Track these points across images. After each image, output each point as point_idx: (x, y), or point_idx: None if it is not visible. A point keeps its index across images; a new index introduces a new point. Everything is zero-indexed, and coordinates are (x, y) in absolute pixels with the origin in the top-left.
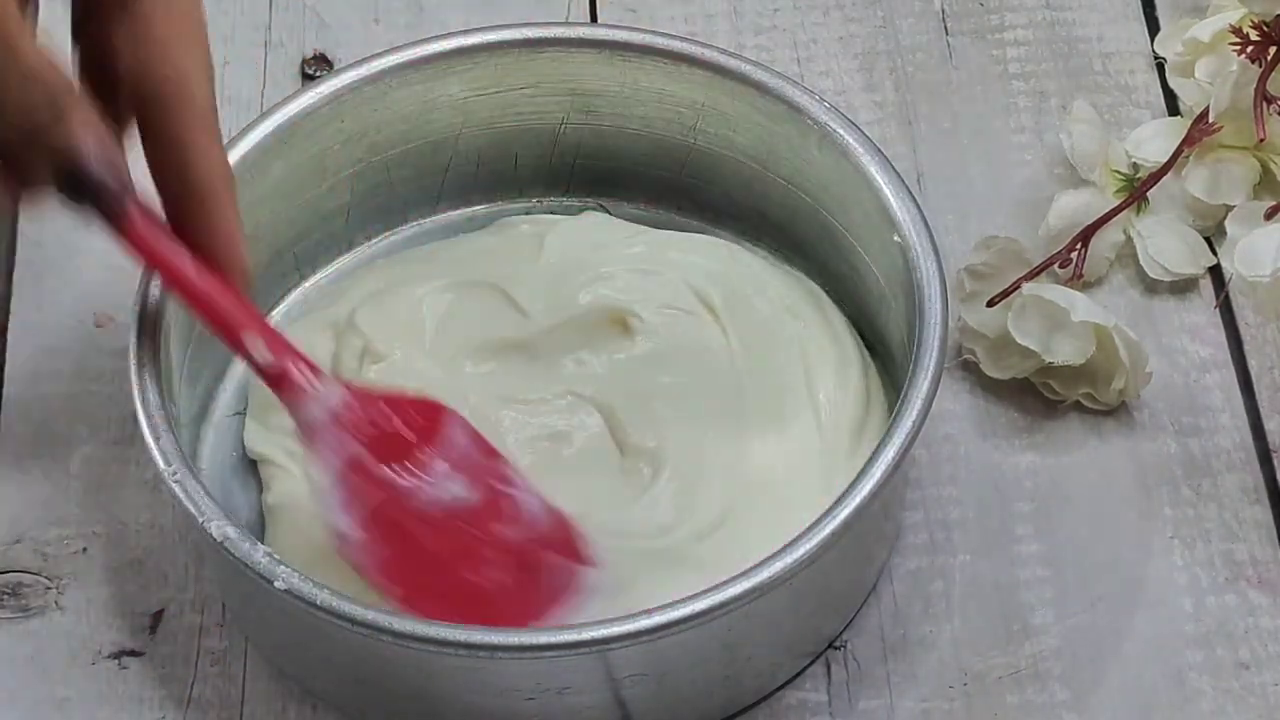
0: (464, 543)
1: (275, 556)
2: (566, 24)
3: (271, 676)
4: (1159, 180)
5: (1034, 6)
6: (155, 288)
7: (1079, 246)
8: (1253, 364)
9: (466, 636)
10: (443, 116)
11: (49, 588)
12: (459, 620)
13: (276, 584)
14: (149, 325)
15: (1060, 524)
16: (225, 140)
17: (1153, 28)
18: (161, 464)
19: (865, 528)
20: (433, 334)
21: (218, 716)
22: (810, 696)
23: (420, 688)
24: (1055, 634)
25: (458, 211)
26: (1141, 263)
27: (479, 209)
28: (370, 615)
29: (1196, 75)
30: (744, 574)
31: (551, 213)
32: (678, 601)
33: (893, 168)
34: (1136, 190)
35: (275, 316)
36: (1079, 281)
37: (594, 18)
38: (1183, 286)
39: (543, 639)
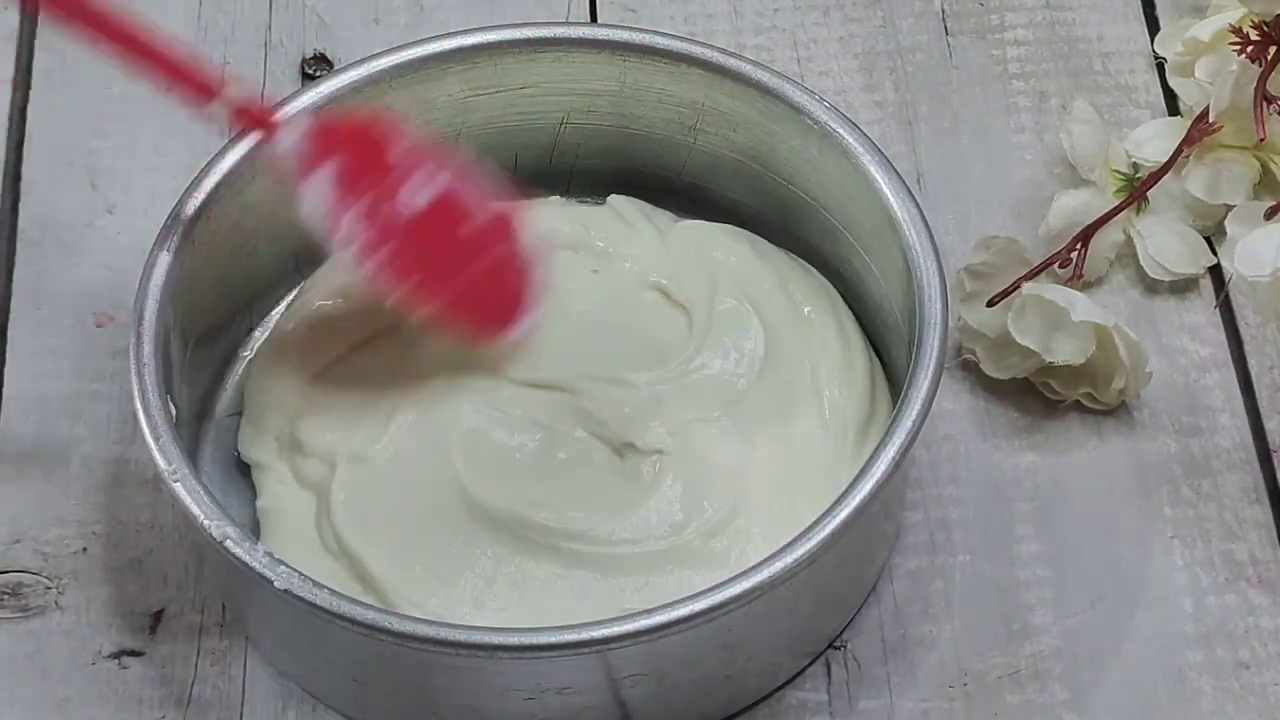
0: (455, 235)
1: (275, 556)
2: (566, 24)
3: (271, 676)
4: (1159, 180)
5: (1034, 6)
6: (155, 287)
7: (1079, 246)
8: (1253, 364)
9: (466, 637)
10: (443, 116)
11: (49, 588)
12: (482, 310)
13: (276, 584)
14: (149, 325)
15: (1060, 524)
16: (226, 140)
17: (1153, 28)
18: (161, 464)
19: (865, 527)
20: None
21: (218, 716)
22: (810, 696)
23: (420, 688)
24: (1055, 634)
25: None
26: (1141, 263)
27: None
28: (370, 615)
29: (1196, 75)
30: (744, 574)
31: None
32: (678, 601)
33: (893, 168)
34: (1136, 190)
35: (275, 316)
36: (1079, 281)
37: (594, 18)
38: (1183, 286)
39: (543, 639)
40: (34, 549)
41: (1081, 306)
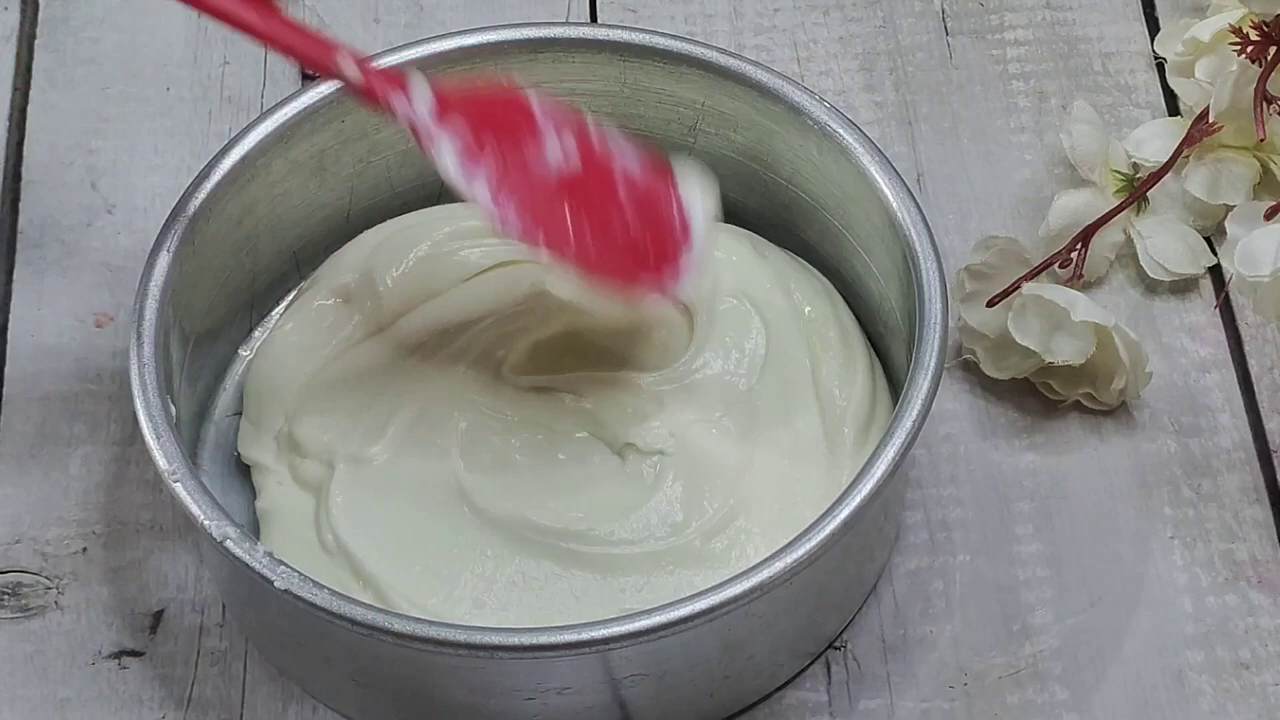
0: (595, 192)
1: (275, 556)
2: (566, 24)
3: (271, 676)
4: (1159, 180)
5: (1034, 6)
6: (155, 287)
7: (1079, 246)
8: (1253, 364)
9: (466, 637)
10: None
11: (49, 588)
12: (616, 262)
13: (276, 584)
14: (149, 325)
15: (1060, 524)
16: (226, 140)
17: (1153, 28)
18: (162, 464)
19: (865, 527)
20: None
21: (218, 716)
22: (810, 696)
23: (420, 688)
24: (1055, 634)
25: None
26: (1141, 263)
27: None
28: (370, 615)
29: (1196, 75)
30: (744, 574)
31: None
32: (678, 601)
33: (893, 168)
34: (1136, 190)
35: (275, 316)
36: (1079, 281)
37: (594, 18)
38: (1183, 286)
39: (543, 639)
40: (34, 549)
41: (1081, 306)
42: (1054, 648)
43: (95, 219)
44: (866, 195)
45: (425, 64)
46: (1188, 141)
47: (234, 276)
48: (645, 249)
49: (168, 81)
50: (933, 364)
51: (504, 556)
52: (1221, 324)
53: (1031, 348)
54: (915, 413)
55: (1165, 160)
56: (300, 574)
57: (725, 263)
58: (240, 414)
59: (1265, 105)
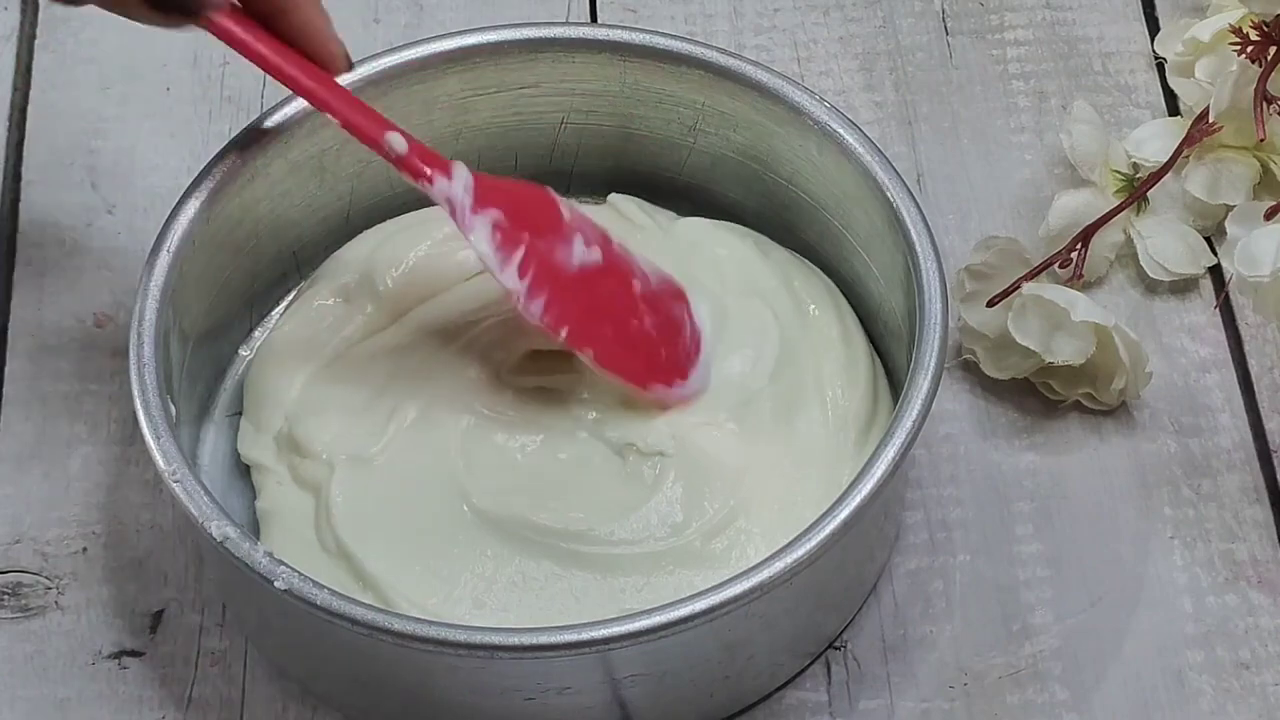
0: (615, 296)
1: (275, 556)
2: (566, 24)
3: (271, 676)
4: (1159, 180)
5: (1034, 6)
6: (155, 287)
7: (1079, 246)
8: (1253, 364)
9: (466, 637)
10: (443, 116)
11: (49, 588)
12: (630, 364)
13: (276, 584)
14: (149, 325)
15: (1060, 524)
16: (225, 140)
17: (1153, 28)
18: (161, 464)
19: (865, 528)
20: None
21: (218, 716)
22: (810, 696)
23: (420, 688)
24: (1055, 634)
25: None
26: (1141, 263)
27: None
28: (370, 615)
29: (1196, 75)
30: (744, 574)
31: None
32: (678, 601)
33: (893, 168)
34: (1136, 190)
35: (275, 316)
36: (1079, 281)
37: (594, 18)
38: (1183, 286)
39: (543, 639)
40: (34, 549)
41: (1081, 306)
42: (1054, 648)
43: (95, 219)
44: (867, 195)
45: (425, 64)
46: (1188, 141)
47: (234, 276)
48: (659, 354)
49: (168, 81)
50: (933, 364)
51: (504, 557)
52: (1221, 324)
53: (1031, 348)
54: (915, 413)
55: (1165, 160)
56: (300, 574)
57: (729, 260)
58: (240, 414)
59: (1265, 105)
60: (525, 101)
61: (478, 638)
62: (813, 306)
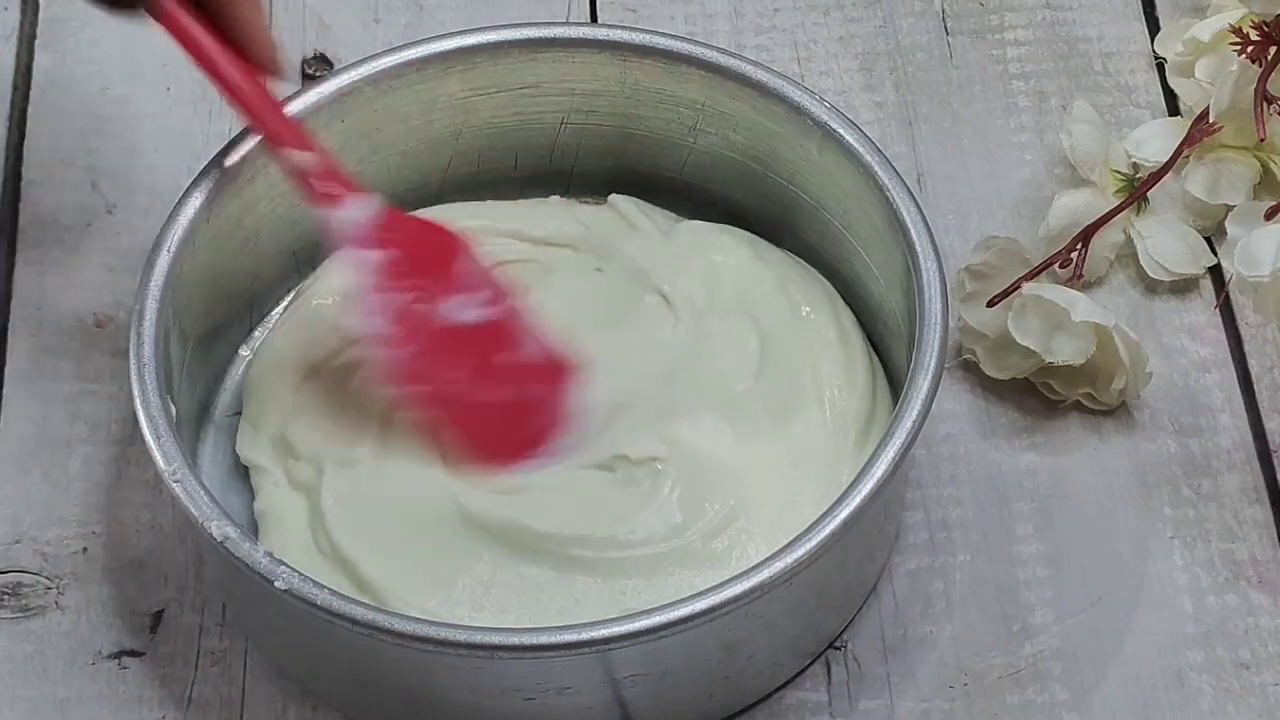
0: (479, 358)
1: (275, 556)
2: (566, 24)
3: (271, 676)
4: (1159, 180)
5: (1034, 6)
6: (155, 287)
7: (1079, 246)
8: (1253, 364)
9: (466, 637)
10: (443, 116)
11: (49, 588)
12: (472, 431)
13: (276, 584)
14: (149, 325)
15: (1060, 524)
16: (225, 140)
17: (1153, 28)
18: (161, 464)
19: (865, 528)
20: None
21: (218, 716)
22: (810, 696)
23: (420, 688)
24: (1055, 634)
25: None
26: (1141, 263)
27: None
28: (370, 615)
29: (1196, 75)
30: (744, 574)
31: None
32: (678, 601)
33: (893, 168)
34: (1136, 190)
35: (275, 316)
36: (1079, 281)
37: (594, 18)
38: (1183, 286)
39: (543, 639)
40: (34, 549)
41: (1081, 306)
42: (1054, 648)
43: (95, 219)
44: (867, 195)
45: (425, 64)
46: (1188, 141)
47: (234, 276)
48: (512, 429)
49: (168, 81)
50: (933, 364)
51: (502, 561)
52: (1221, 324)
53: (1031, 348)
54: (915, 413)
55: (1165, 160)
56: (300, 574)
57: (725, 264)
58: (240, 414)
59: (1265, 105)
60: (525, 101)
61: (478, 638)
62: (808, 309)
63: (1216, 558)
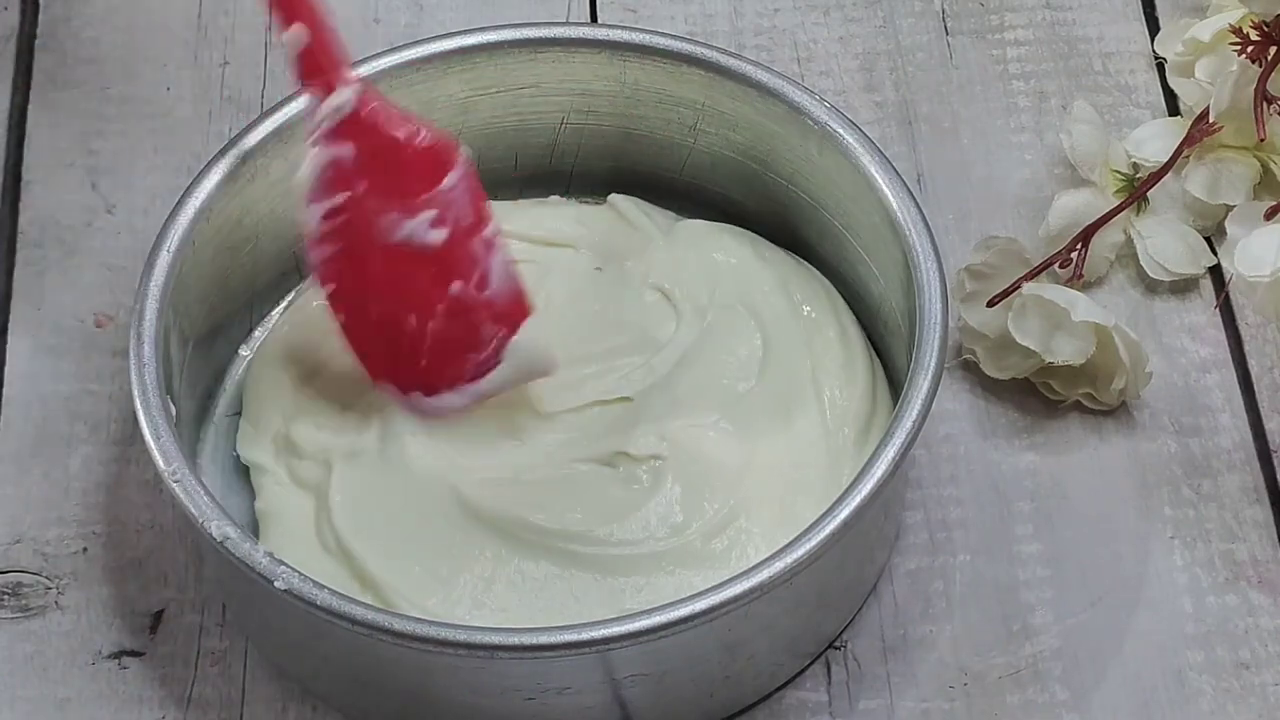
0: (415, 285)
1: (275, 556)
2: (566, 24)
3: (271, 676)
4: (1159, 180)
5: (1034, 6)
6: (155, 287)
7: (1079, 246)
8: (1253, 364)
9: (467, 637)
10: (443, 116)
11: (49, 588)
12: (375, 349)
13: (277, 584)
14: (149, 325)
15: (1060, 524)
16: (226, 140)
17: (1153, 28)
18: (161, 464)
19: (865, 528)
20: None
21: (218, 716)
22: (810, 696)
23: (420, 688)
24: (1055, 634)
25: None
26: (1141, 263)
27: None
28: (370, 615)
29: (1196, 75)
30: (744, 574)
31: None
32: (678, 601)
33: (893, 168)
34: (1136, 190)
35: (275, 316)
36: (1079, 281)
37: (594, 18)
38: (1183, 286)
39: (543, 639)
40: (34, 549)
41: (1081, 306)
42: (1054, 648)
43: (95, 219)
44: (866, 195)
45: (425, 64)
46: (1188, 141)
47: (234, 276)
48: (417, 358)
49: (168, 81)
50: (933, 364)
51: (503, 557)
52: (1221, 324)
53: (1031, 348)
54: (915, 413)
55: (1165, 160)
56: (300, 574)
57: (725, 264)
58: (240, 414)
59: (1265, 105)
60: (525, 101)
61: (478, 638)
62: (808, 308)
63: (1216, 558)
